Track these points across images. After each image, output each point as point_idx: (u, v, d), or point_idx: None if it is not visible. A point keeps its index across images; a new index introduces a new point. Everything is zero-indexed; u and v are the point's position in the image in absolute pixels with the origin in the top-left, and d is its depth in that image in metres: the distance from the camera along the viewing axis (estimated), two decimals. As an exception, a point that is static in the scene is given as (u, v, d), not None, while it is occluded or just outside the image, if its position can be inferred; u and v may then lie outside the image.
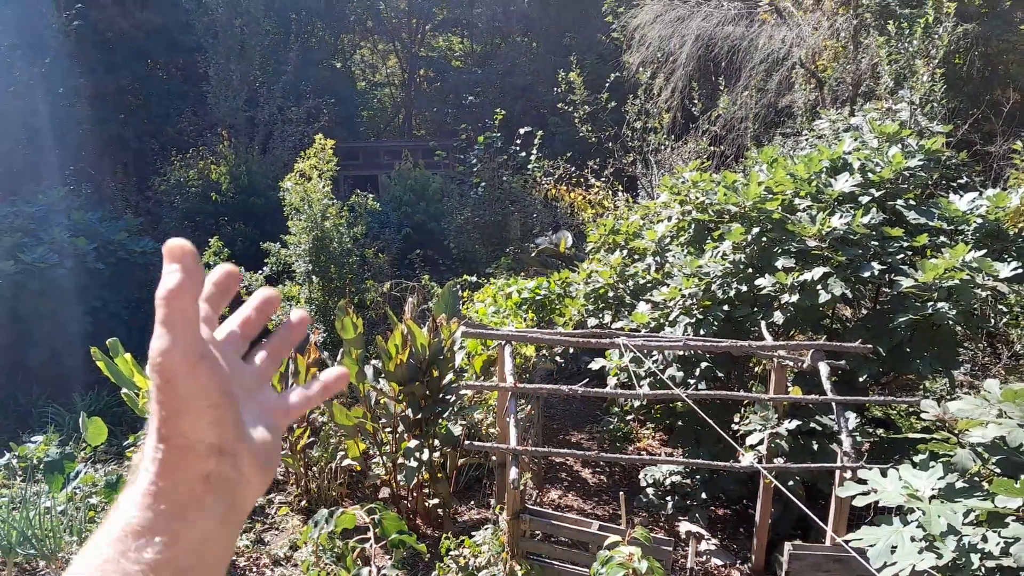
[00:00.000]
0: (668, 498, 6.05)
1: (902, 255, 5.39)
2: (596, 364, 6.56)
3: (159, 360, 0.52)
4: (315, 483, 6.32)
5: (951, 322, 4.96)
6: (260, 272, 9.39)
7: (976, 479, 3.24)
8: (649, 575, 1.95)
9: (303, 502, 6.27)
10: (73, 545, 5.19)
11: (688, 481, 6.00)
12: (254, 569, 5.58)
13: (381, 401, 5.83)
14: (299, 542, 5.47)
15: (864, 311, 6.78)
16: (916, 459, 3.33)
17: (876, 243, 5.36)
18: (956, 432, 3.33)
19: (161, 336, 0.52)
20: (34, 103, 13.16)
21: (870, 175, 5.83)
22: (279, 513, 6.17)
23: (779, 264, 5.55)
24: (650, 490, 6.12)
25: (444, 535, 4.69)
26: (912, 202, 5.81)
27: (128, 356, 6.39)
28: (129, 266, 9.56)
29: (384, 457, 5.89)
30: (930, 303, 4.98)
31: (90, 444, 6.05)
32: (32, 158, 13.07)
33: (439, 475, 5.88)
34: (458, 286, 7.04)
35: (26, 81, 12.96)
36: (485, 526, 5.10)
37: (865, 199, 5.68)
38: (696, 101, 12.46)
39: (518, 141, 12.66)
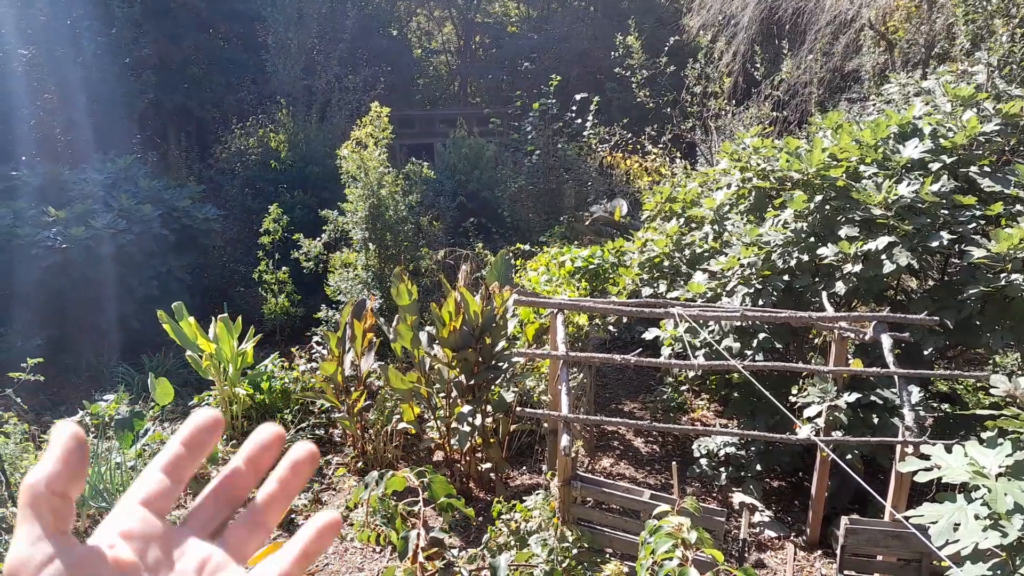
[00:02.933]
0: (722, 469, 6.00)
1: (974, 224, 5.16)
2: (650, 334, 6.51)
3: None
4: (371, 445, 6.46)
5: (1025, 295, 4.75)
6: (318, 239, 9.55)
7: (1047, 457, 3.11)
8: (699, 545, 1.93)
9: (359, 463, 6.43)
10: (143, 499, 5.42)
11: (742, 452, 5.94)
12: (312, 527, 5.75)
13: (435, 367, 5.90)
14: (351, 502, 5.60)
15: (930, 282, 6.54)
16: (983, 436, 3.21)
17: (946, 212, 5.14)
18: (1027, 408, 3.19)
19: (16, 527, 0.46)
20: (102, 73, 13.53)
21: (941, 141, 5.58)
22: (336, 474, 6.34)
23: (842, 233, 5.38)
24: (703, 461, 6.08)
25: (496, 499, 4.75)
26: (987, 169, 5.54)
27: (192, 320, 6.61)
28: (192, 232, 9.82)
29: (438, 421, 5.97)
30: (1003, 275, 4.77)
31: (158, 403, 6.30)
32: (100, 127, 13.47)
33: (491, 440, 5.94)
34: (511, 254, 7.04)
35: (93, 51, 13.31)
36: (536, 491, 5.15)
37: (935, 166, 5.44)
38: (758, 65, 12.08)
39: (574, 108, 12.49)
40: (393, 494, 2.54)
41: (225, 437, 6.65)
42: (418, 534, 2.36)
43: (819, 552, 5.31)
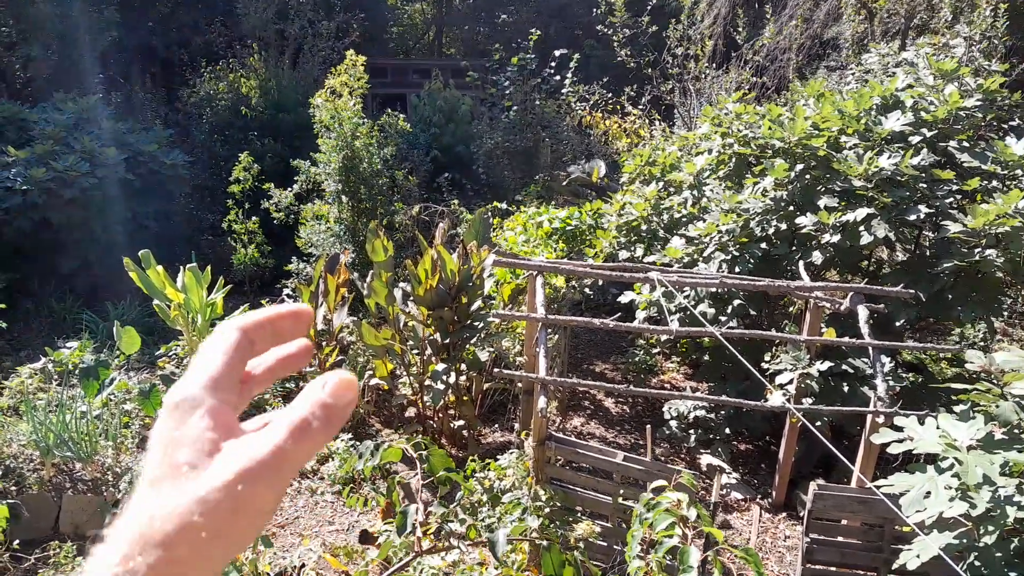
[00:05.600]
0: (691, 431, 6.09)
1: (951, 199, 5.21)
2: (625, 297, 6.52)
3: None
4: (342, 401, 6.41)
5: (997, 270, 4.83)
6: (289, 190, 9.35)
7: (1016, 431, 3.19)
8: (697, 523, 1.94)
9: (330, 418, 6.38)
10: (108, 449, 5.34)
11: (712, 416, 6.02)
12: (282, 480, 5.72)
13: (409, 324, 5.85)
14: (344, 469, 5.57)
15: (903, 255, 6.63)
16: (957, 409, 3.27)
17: (924, 185, 5.18)
18: (1001, 384, 3.25)
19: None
20: (62, 7, 12.94)
21: (923, 114, 5.59)
22: (307, 428, 6.29)
23: (822, 203, 5.39)
24: (673, 423, 6.15)
25: (470, 456, 4.75)
26: (965, 144, 5.58)
27: (160, 268, 6.44)
28: (159, 178, 9.52)
29: (411, 378, 5.95)
30: (977, 250, 4.84)
31: (123, 352, 6.16)
32: (61, 65, 12.94)
33: (465, 398, 5.94)
34: (489, 213, 6.95)
35: (54, -17, 12.71)
36: (509, 450, 5.17)
37: (916, 139, 5.47)
38: (740, 29, 11.97)
39: (552, 64, 12.30)
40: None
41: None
42: (416, 508, 2.34)
43: (784, 515, 5.43)
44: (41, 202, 8.09)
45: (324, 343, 6.28)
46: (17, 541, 4.48)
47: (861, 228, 5.14)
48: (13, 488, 4.83)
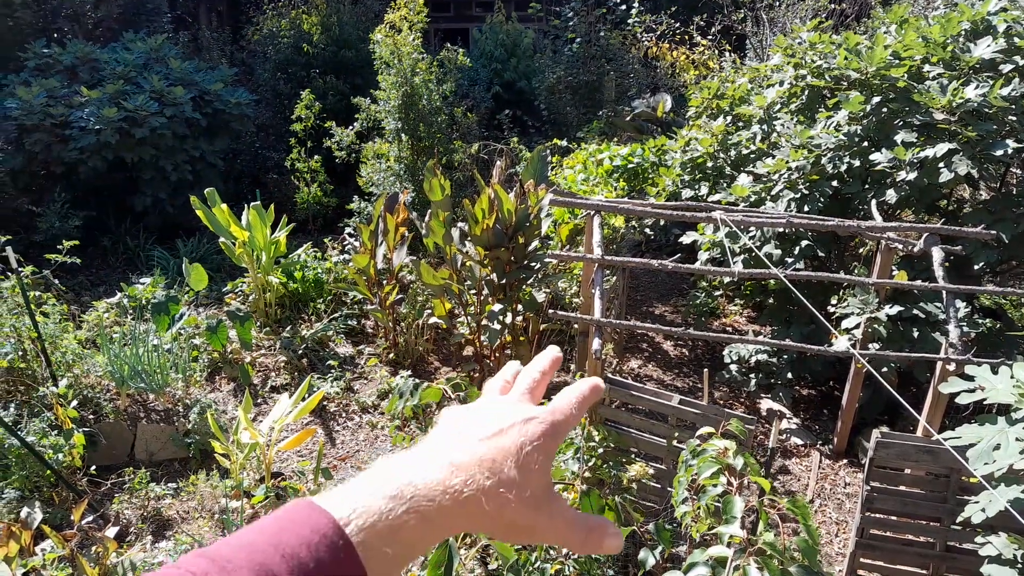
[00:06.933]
0: (751, 375, 5.97)
1: (1044, 133, 4.84)
2: (688, 238, 6.36)
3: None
4: (402, 338, 6.52)
5: (1091, 210, 4.49)
6: (351, 128, 9.36)
7: (1099, 383, 3.00)
8: (744, 472, 1.89)
9: (391, 355, 6.51)
10: (179, 382, 5.57)
11: (774, 360, 5.89)
12: (344, 414, 5.90)
13: (467, 264, 5.85)
14: (388, 409, 5.69)
15: (987, 194, 6.24)
16: (1034, 358, 3.09)
17: (1015, 118, 4.82)
18: (1085, 333, 3.05)
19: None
20: (129, -56, 13.03)
21: (1016, 40, 5.16)
22: (368, 364, 6.44)
23: (899, 138, 5.09)
24: (733, 367, 6.05)
25: (525, 397, 4.78)
26: (1064, 72, 5.14)
27: (224, 207, 6.58)
28: (225, 117, 9.64)
29: (468, 318, 5.98)
30: (1069, 188, 4.50)
31: (192, 288, 6.37)
32: (131, 4, 13.10)
33: (521, 338, 5.95)
34: (547, 151, 6.82)
35: (120, -80, 12.78)
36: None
37: (1007, 68, 5.06)
38: (819, -51, 11.23)
39: (619, -7, 11.84)
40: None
41: (259, 324, 6.75)
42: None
43: (844, 462, 5.32)
44: (114, 141, 8.31)
45: (384, 282, 6.35)
46: (94, 467, 4.76)
47: (941, 165, 4.84)
48: (91, 416, 5.11)
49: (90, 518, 4.39)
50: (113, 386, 5.36)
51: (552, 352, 0.79)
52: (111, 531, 4.36)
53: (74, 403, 4.87)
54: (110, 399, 5.30)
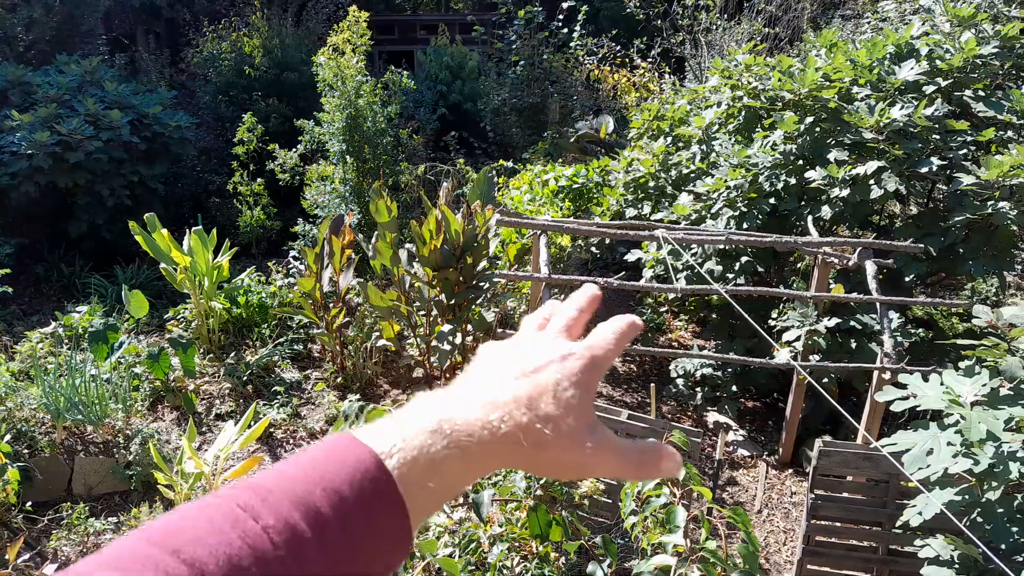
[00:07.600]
0: (698, 389, 6.08)
1: (965, 151, 5.08)
2: (632, 256, 6.47)
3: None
4: (350, 361, 6.45)
5: (1010, 223, 4.73)
6: (295, 150, 9.27)
7: (1022, 387, 3.15)
8: (687, 482, 1.93)
9: (339, 379, 6.43)
10: (119, 412, 5.40)
11: (719, 373, 6.01)
12: (291, 441, 5.79)
13: (415, 285, 5.84)
14: (333, 416, 5.62)
15: (915, 209, 6.51)
16: (962, 365, 3.23)
17: (937, 137, 5.06)
18: (1008, 339, 3.20)
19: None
20: (63, -33, 12.74)
21: (938, 63, 5.43)
22: (315, 389, 6.34)
23: (831, 156, 5.29)
24: (680, 381, 6.15)
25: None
26: (981, 93, 5.43)
27: (165, 232, 6.44)
28: (164, 140, 9.44)
29: (418, 339, 5.96)
30: (990, 202, 4.74)
31: (132, 316, 6.20)
32: (64, 26, 12.79)
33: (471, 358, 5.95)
34: (494, 172, 6.88)
35: (53, -59, 12.49)
36: (515, 410, 5.19)
37: (930, 89, 5.32)
38: (753, -24, 11.65)
39: (560, 16, 12.04)
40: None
41: (202, 351, 6.60)
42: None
43: (790, 471, 5.45)
44: (47, 166, 8.07)
45: (331, 305, 6.29)
46: (30, 503, 4.57)
47: (871, 182, 5.05)
48: (25, 451, 4.90)
49: (26, 556, 4.21)
50: (49, 419, 5.16)
51: (590, 289, 0.76)
52: (49, 569, 4.18)
53: (7, 437, 4.68)
54: (45, 432, 5.10)
